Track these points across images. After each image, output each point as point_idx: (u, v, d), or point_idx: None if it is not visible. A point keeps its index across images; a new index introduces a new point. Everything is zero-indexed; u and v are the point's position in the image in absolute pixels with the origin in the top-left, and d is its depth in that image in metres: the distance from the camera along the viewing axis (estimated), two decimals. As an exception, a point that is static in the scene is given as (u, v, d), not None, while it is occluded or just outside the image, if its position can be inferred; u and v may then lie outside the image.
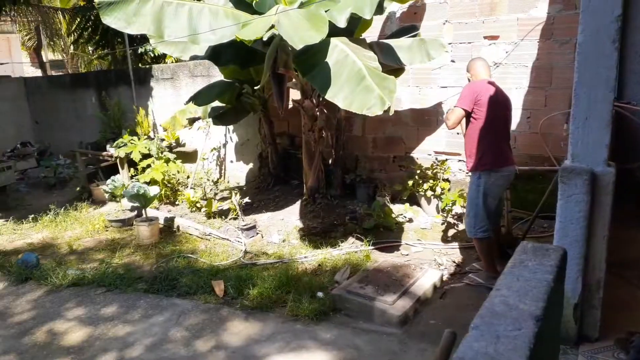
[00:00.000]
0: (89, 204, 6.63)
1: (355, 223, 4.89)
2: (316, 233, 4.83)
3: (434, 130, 5.39)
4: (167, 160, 6.63)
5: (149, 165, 6.47)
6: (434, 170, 5.19)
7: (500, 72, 4.74)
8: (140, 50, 9.80)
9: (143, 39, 9.08)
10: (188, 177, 6.88)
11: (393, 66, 4.54)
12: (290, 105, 5.50)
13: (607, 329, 2.66)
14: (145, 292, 4.07)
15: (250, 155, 6.83)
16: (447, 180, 5.14)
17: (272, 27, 3.61)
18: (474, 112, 3.52)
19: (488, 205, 3.60)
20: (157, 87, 7.68)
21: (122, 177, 6.75)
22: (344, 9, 3.80)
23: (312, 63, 3.85)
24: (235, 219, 5.46)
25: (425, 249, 4.48)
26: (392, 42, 4.66)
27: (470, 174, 3.77)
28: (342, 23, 3.78)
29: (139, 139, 6.91)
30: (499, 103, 3.52)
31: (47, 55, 17.17)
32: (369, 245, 4.47)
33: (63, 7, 13.63)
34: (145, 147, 6.69)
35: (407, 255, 4.38)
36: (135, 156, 6.58)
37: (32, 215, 6.15)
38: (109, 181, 6.55)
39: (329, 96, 3.61)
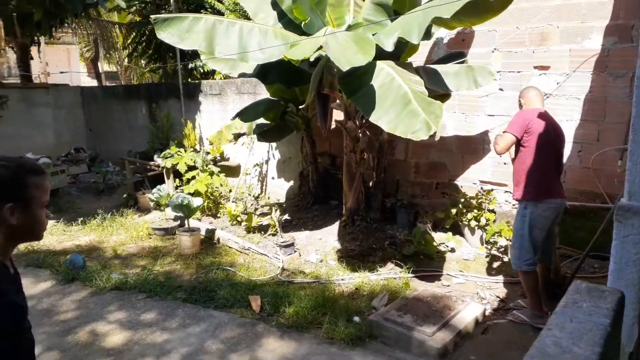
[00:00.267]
0: (134, 211, 6.87)
1: (395, 249, 4.84)
2: (354, 256, 4.81)
3: (480, 158, 5.32)
4: (211, 173, 6.80)
5: (193, 177, 6.65)
6: (479, 200, 5.09)
7: (551, 104, 4.63)
8: (190, 65, 10.16)
9: (194, 55, 9.44)
10: (230, 190, 7.02)
11: (439, 92, 4.53)
12: (333, 125, 5.57)
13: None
14: (184, 302, 4.15)
15: (292, 173, 6.92)
16: (492, 211, 5.01)
17: (320, 48, 3.68)
18: (524, 140, 3.46)
19: (534, 237, 3.50)
20: (205, 101, 7.93)
21: (168, 187, 6.97)
22: (391, 33, 3.83)
23: (357, 85, 3.89)
24: (274, 235, 5.52)
25: (468, 281, 4.36)
26: (438, 67, 4.66)
27: (517, 204, 3.68)
28: (389, 47, 3.81)
29: (185, 151, 7.14)
30: (549, 133, 3.45)
31: (103, 66, 18.10)
32: (408, 272, 4.40)
33: (120, 21, 14.41)
34: (191, 159, 6.89)
35: (448, 286, 4.28)
36: (181, 167, 6.79)
37: (81, 219, 6.42)
38: (154, 190, 6.78)
39: (373, 119, 3.62)
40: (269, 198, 7.10)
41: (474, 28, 5.16)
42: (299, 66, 4.34)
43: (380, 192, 5.71)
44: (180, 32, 4.03)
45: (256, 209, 6.49)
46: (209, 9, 10.32)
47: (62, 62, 18.70)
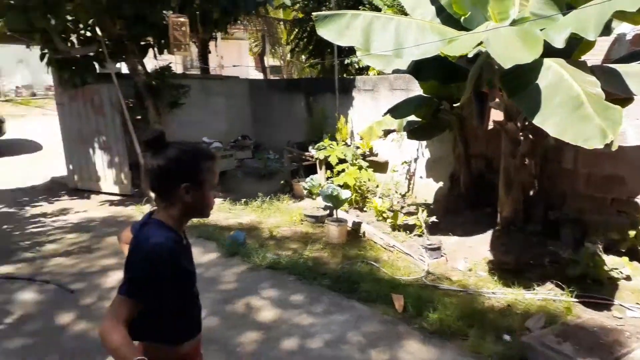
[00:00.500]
0: (289, 197, 7.39)
1: (556, 268, 4.36)
2: (508, 269, 4.47)
3: (670, 174, 4.51)
4: (360, 168, 6.96)
5: (343, 170, 6.89)
6: (666, 223, 4.33)
7: None
8: (346, 61, 10.47)
9: (350, 51, 9.70)
10: (377, 186, 7.10)
11: (619, 95, 3.93)
12: (491, 126, 5.23)
13: None
14: (329, 289, 4.32)
15: (441, 173, 6.71)
16: (683, 237, 4.24)
17: (480, 43, 3.49)
18: None
19: None
20: (358, 97, 8.10)
21: (319, 177, 7.34)
22: (563, 29, 3.46)
23: (520, 84, 3.61)
24: (419, 236, 5.43)
25: (646, 317, 3.76)
26: (619, 67, 4.05)
27: None
28: (559, 43, 3.46)
29: (337, 144, 7.41)
30: None
31: (268, 60, 19.66)
32: (571, 296, 3.95)
33: (285, 18, 15.46)
34: (342, 153, 7.13)
35: (620, 318, 3.72)
36: (333, 160, 7.07)
37: (244, 199, 7.12)
38: (308, 179, 7.20)
39: (537, 121, 3.33)
40: (415, 197, 7.01)
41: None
42: (455, 62, 4.18)
43: (542, 203, 5.20)
44: (339, 28, 4.15)
45: (402, 207, 6.45)
46: (367, 5, 10.48)
47: (234, 56, 20.76)
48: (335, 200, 5.78)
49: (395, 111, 5.53)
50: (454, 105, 4.60)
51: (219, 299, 4.19)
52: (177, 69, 13.47)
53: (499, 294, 4.11)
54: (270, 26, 16.28)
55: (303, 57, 14.29)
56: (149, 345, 1.66)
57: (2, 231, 6.12)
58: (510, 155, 4.85)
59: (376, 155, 7.55)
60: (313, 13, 4.33)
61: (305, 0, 11.78)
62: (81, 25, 7.51)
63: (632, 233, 4.42)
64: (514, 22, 4.00)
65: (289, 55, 17.63)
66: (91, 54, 7.58)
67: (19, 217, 6.77)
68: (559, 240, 4.91)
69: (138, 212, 6.84)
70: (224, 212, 6.74)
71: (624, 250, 4.46)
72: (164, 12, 7.40)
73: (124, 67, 8.79)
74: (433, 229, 5.49)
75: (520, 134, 4.74)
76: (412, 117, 5.81)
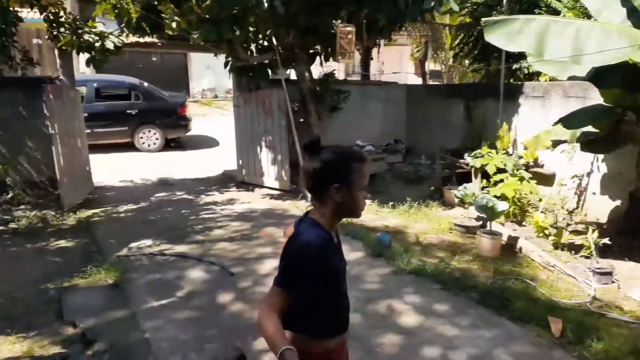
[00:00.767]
0: (438, 204, 7.22)
1: None
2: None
3: None
4: (521, 179, 6.46)
5: (501, 180, 6.48)
6: None
7: None
8: (515, 66, 9.81)
9: (519, 56, 9.09)
10: (540, 200, 6.51)
11: None
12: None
13: None
14: (477, 303, 4.12)
15: (619, 191, 5.87)
16: None
17: None
18: None
19: None
20: (525, 104, 7.55)
21: (474, 186, 7.01)
22: None
23: None
24: (587, 257, 4.84)
25: None
26: None
27: None
28: None
29: (496, 152, 7.00)
30: None
31: (429, 65, 19.44)
32: None
33: (451, 23, 15.09)
34: (501, 162, 6.71)
35: None
36: (490, 169, 6.70)
37: (392, 203, 7.16)
38: (460, 187, 6.92)
39: None
40: (585, 215, 6.24)
41: None
42: (647, 69, 3.68)
43: None
44: (509, 34, 4.04)
45: (568, 225, 5.81)
46: (544, 8, 9.69)
47: (394, 61, 21.01)
48: (490, 212, 5.47)
49: (570, 120, 5.12)
50: (642, 116, 4.06)
51: (361, 297, 4.26)
52: (340, 75, 14.16)
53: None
54: (434, 31, 16.09)
55: (467, 61, 13.82)
56: (297, 335, 1.75)
57: (182, 215, 7.05)
58: None
59: (541, 166, 6.93)
60: (482, 19, 4.24)
61: (474, 4, 11.36)
62: (260, 36, 8.40)
63: None
64: None
65: (451, 60, 17.18)
66: (266, 61, 8.42)
67: (195, 204, 7.72)
68: None
69: (293, 206, 7.37)
70: (371, 214, 6.86)
71: None
72: (333, 21, 7.85)
73: (292, 74, 9.56)
74: (604, 252, 4.86)
75: None
76: (589, 128, 5.28)
